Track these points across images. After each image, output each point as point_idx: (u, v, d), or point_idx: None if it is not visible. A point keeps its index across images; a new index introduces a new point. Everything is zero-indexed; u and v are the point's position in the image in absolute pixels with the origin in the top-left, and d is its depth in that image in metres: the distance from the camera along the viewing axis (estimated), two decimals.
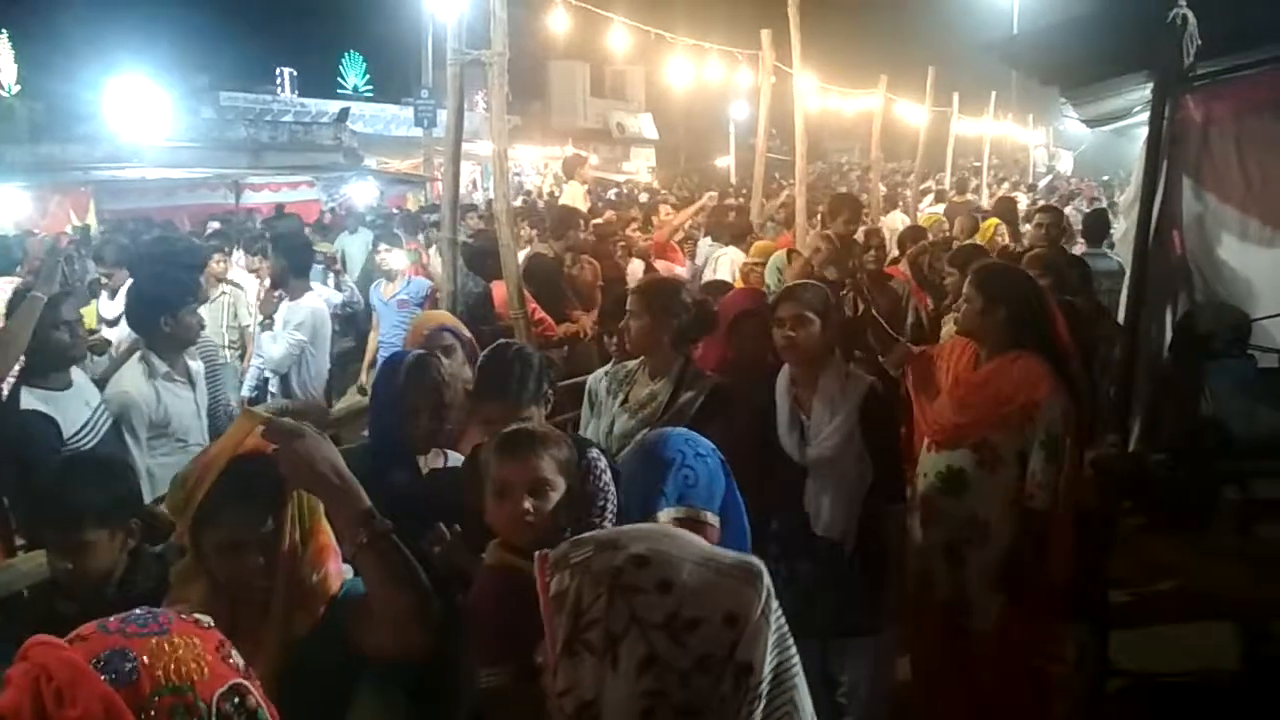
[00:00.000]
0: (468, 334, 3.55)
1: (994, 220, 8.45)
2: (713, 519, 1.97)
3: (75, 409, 3.18)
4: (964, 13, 32.49)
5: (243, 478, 1.73)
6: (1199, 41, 3.48)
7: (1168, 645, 4.00)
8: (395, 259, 6.10)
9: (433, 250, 9.28)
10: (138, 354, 3.60)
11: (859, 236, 5.94)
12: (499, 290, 5.29)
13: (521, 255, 5.65)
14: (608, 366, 3.53)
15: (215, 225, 10.02)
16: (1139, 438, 4.23)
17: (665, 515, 1.90)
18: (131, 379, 3.51)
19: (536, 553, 1.14)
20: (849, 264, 4.80)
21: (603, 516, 2.43)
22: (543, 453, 2.04)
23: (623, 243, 7.45)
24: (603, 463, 2.52)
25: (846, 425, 2.96)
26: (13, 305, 3.44)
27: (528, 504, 1.98)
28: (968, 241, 7.03)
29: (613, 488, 2.48)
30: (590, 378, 3.45)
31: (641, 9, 9.14)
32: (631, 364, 3.35)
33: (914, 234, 7.37)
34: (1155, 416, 4.33)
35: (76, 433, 3.14)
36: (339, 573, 1.82)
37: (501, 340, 3.08)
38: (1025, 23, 26.54)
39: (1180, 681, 3.79)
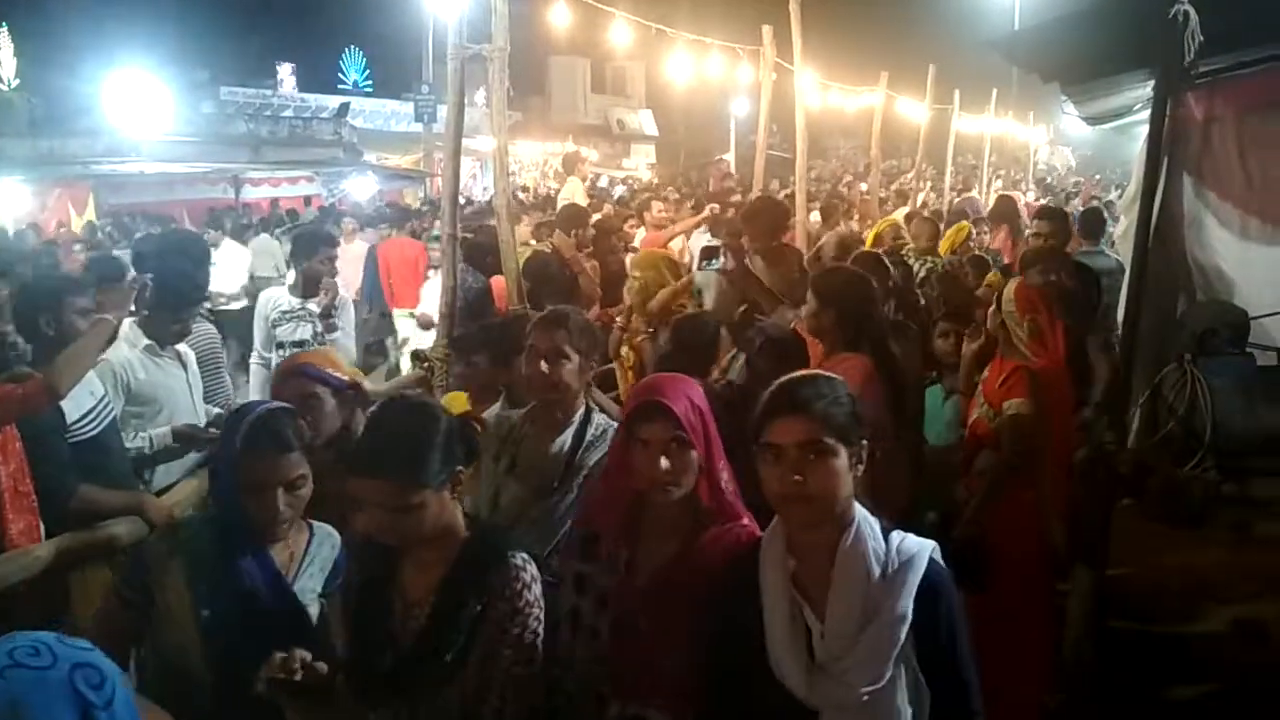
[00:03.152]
0: (341, 377, 2.72)
1: (965, 225, 8.09)
2: None
3: (80, 397, 3.23)
4: (965, 10, 32.43)
5: None
6: (1200, 39, 3.48)
7: (1164, 643, 4.01)
8: None
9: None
10: (127, 324, 3.70)
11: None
12: (498, 285, 5.31)
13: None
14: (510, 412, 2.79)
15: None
16: (1137, 435, 4.24)
17: None
18: (113, 349, 3.63)
19: None
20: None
21: (519, 662, 1.83)
22: None
23: (611, 239, 7.34)
24: (528, 574, 1.87)
25: (889, 639, 1.64)
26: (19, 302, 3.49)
27: None
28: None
29: (537, 609, 1.87)
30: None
31: (642, 4, 9.11)
32: (515, 415, 2.65)
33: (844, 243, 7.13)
34: (1154, 413, 4.34)
35: (78, 420, 3.20)
36: None
37: (399, 395, 2.47)
38: (1026, 19, 26.46)
39: (1176, 678, 3.79)
